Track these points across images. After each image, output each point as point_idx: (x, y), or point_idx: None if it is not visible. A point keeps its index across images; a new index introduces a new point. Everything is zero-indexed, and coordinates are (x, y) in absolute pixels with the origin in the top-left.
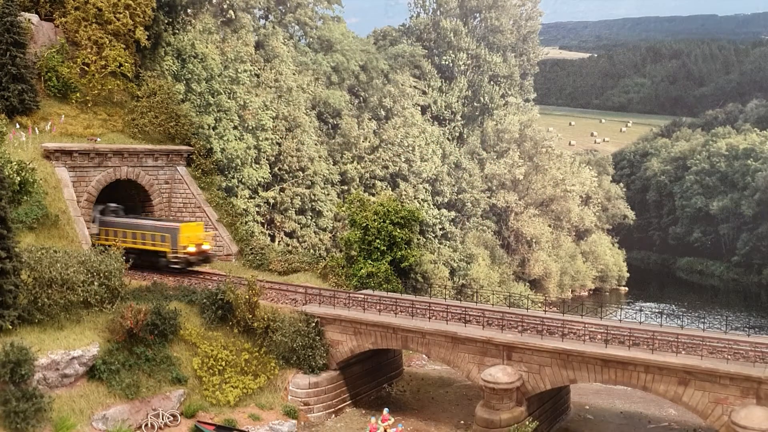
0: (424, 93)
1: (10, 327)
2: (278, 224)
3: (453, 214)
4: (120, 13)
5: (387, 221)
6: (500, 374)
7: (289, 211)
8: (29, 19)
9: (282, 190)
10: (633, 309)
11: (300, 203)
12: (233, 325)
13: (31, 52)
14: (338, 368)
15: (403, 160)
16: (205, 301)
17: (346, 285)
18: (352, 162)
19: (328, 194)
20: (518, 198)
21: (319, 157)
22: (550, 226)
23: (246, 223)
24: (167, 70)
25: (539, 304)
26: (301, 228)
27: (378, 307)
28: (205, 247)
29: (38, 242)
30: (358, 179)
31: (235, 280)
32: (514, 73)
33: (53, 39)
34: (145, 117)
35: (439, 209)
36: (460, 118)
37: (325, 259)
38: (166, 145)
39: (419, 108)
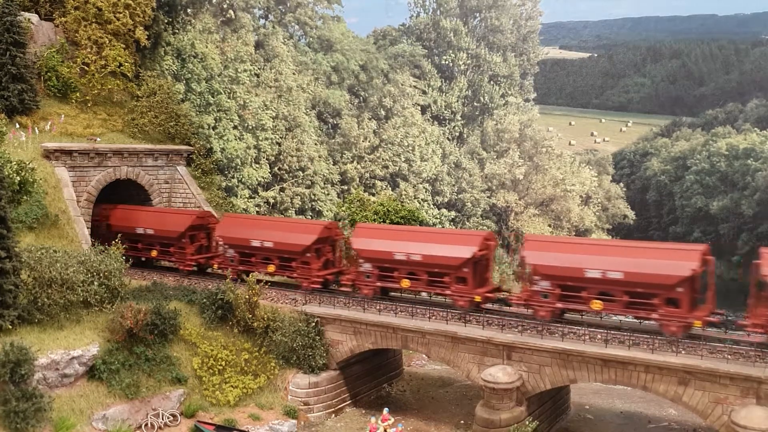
0: (424, 93)
1: (10, 327)
2: None
3: (453, 213)
4: (120, 12)
5: (387, 221)
6: (500, 374)
7: (289, 211)
8: (29, 19)
9: (282, 189)
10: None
11: (300, 203)
12: (233, 325)
13: (31, 52)
14: (338, 368)
15: (403, 159)
16: (205, 300)
17: None
18: (352, 162)
19: (328, 194)
20: (518, 198)
21: (319, 157)
22: (550, 225)
23: None
24: (167, 69)
25: None
26: None
27: (378, 307)
28: None
29: (38, 242)
30: (358, 179)
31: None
32: (514, 73)
33: (53, 39)
34: (144, 117)
35: (439, 209)
36: (460, 118)
37: None
38: (166, 145)
39: (419, 108)
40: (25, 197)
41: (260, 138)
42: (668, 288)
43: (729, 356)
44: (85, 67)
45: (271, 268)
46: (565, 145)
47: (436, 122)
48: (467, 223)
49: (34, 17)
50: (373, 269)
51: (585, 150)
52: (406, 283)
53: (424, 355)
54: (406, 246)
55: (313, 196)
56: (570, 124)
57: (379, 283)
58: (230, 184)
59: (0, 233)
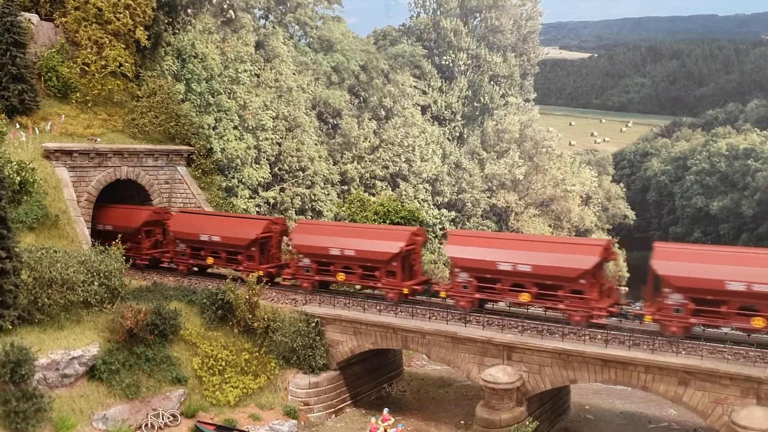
0: (424, 93)
1: (10, 327)
2: None
3: (453, 214)
4: (120, 13)
5: (387, 221)
6: (500, 374)
7: (290, 211)
8: (29, 19)
9: (282, 190)
10: (633, 309)
11: (300, 203)
12: (233, 325)
13: (31, 52)
14: (338, 368)
15: (403, 160)
16: (205, 301)
17: None
18: (352, 162)
19: (328, 194)
20: (518, 198)
21: (319, 157)
22: (550, 226)
23: None
24: (167, 70)
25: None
26: None
27: (378, 307)
28: None
29: (38, 242)
30: (358, 179)
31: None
32: (514, 73)
33: (53, 39)
34: (145, 117)
35: (439, 209)
36: (460, 118)
37: None
38: (166, 145)
39: (419, 108)
40: (25, 197)
41: (260, 138)
42: (571, 280)
43: (729, 356)
44: (86, 68)
45: (219, 261)
46: (566, 145)
47: (436, 122)
48: (467, 224)
49: (35, 17)
50: (311, 264)
51: (585, 150)
52: (341, 277)
53: (424, 356)
54: (340, 241)
55: (313, 197)
56: (570, 124)
57: (317, 277)
58: (230, 185)
59: (0, 233)
